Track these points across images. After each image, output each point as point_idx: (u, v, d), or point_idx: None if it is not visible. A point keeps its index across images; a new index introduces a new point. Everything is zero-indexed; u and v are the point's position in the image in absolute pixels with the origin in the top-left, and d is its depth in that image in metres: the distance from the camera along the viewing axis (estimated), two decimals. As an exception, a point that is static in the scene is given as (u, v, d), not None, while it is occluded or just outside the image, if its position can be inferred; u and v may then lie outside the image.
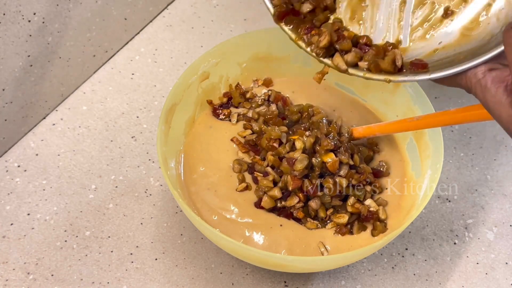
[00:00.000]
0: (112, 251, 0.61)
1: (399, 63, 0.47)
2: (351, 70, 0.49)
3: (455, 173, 0.70)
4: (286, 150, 0.59)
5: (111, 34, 0.77)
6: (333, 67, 0.49)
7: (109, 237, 0.62)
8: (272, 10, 0.51)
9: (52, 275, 0.59)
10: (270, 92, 0.68)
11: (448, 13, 0.48)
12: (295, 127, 0.62)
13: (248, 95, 0.68)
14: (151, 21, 0.84)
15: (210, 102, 0.67)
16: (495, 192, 0.69)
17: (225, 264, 0.61)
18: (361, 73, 0.48)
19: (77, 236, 0.62)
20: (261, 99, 0.68)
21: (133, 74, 0.78)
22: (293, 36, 0.51)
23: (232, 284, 0.60)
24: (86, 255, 0.61)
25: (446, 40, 0.47)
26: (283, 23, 0.51)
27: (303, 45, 0.50)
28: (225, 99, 0.68)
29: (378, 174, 0.62)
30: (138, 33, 0.82)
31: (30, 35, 0.64)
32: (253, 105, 0.67)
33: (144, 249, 0.62)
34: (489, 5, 0.46)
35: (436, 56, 0.47)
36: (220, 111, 0.66)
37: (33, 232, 0.62)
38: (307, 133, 0.60)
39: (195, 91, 0.65)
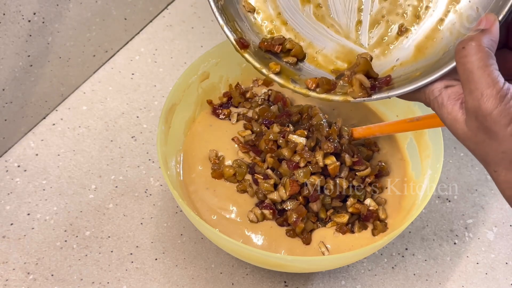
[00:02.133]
0: (112, 251, 0.61)
1: (368, 85, 0.47)
2: (311, 94, 0.49)
3: (455, 173, 0.70)
4: (288, 148, 0.59)
5: (111, 34, 0.77)
6: (298, 92, 0.50)
7: (109, 237, 0.62)
8: (232, 38, 0.50)
9: (52, 275, 0.59)
10: (270, 92, 0.68)
11: (402, 31, 0.49)
12: (295, 128, 0.62)
13: (248, 95, 0.68)
14: (151, 21, 0.84)
15: (210, 102, 0.67)
16: (495, 192, 0.69)
17: (225, 264, 0.61)
18: (322, 96, 0.49)
19: (77, 236, 0.62)
20: (261, 98, 0.68)
21: (133, 74, 0.78)
22: (257, 65, 0.50)
23: (232, 284, 0.60)
24: (86, 255, 0.61)
25: (403, 57, 0.48)
26: (245, 53, 0.50)
27: (266, 73, 0.50)
28: (225, 99, 0.68)
29: (378, 174, 0.62)
30: (138, 33, 0.82)
31: (30, 35, 0.64)
32: (253, 105, 0.67)
33: (144, 249, 0.62)
34: (441, 20, 0.47)
35: (394, 74, 0.48)
36: (220, 111, 0.66)
37: (33, 232, 0.62)
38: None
39: (195, 91, 0.65)
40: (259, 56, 0.51)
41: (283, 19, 0.52)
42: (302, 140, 0.59)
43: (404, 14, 0.48)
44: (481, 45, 0.37)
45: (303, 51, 0.52)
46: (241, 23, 0.52)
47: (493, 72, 0.37)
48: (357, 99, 0.47)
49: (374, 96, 0.46)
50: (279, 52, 0.51)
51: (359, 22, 0.50)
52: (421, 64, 0.46)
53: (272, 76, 0.50)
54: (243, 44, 0.50)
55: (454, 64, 0.40)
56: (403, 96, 0.45)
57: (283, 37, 0.51)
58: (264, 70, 0.50)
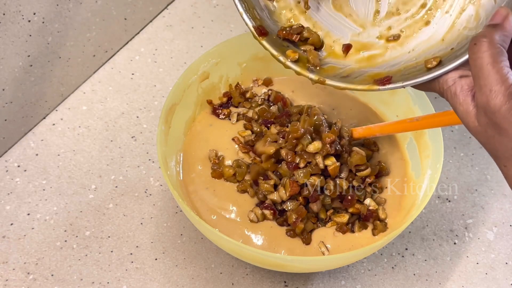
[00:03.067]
0: (112, 251, 0.61)
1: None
2: (328, 82, 0.49)
3: (455, 173, 0.70)
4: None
5: (111, 34, 0.77)
6: (314, 80, 0.50)
7: (109, 237, 0.62)
8: (251, 25, 0.50)
9: (52, 275, 0.59)
10: (270, 92, 0.68)
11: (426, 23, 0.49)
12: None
13: (248, 95, 0.68)
14: (151, 21, 0.84)
15: (210, 102, 0.67)
16: (495, 192, 0.69)
17: (225, 264, 0.61)
18: (336, 84, 0.49)
19: (77, 236, 0.62)
20: (261, 98, 0.68)
21: (133, 74, 0.78)
22: (274, 52, 0.50)
23: (232, 284, 0.60)
24: (86, 255, 0.61)
25: (419, 47, 0.49)
26: (263, 40, 0.50)
27: (283, 60, 0.50)
28: (225, 99, 0.68)
29: (378, 174, 0.62)
30: (138, 33, 0.82)
31: (30, 35, 0.64)
32: (253, 105, 0.67)
33: (144, 249, 0.62)
34: (460, 13, 0.47)
35: (408, 60, 0.48)
36: (220, 111, 0.66)
37: (33, 232, 0.62)
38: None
39: (195, 91, 0.65)
40: (277, 44, 0.51)
41: (301, 8, 0.52)
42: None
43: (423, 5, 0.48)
44: (493, 41, 0.38)
45: (320, 40, 0.52)
46: (260, 11, 0.52)
47: (503, 69, 0.37)
48: (376, 88, 0.47)
49: (389, 86, 0.46)
50: (297, 40, 0.51)
51: (377, 12, 0.50)
52: (438, 54, 0.46)
53: (289, 63, 0.50)
54: (261, 32, 0.50)
55: (467, 56, 0.40)
56: (417, 86, 0.45)
57: (302, 26, 0.52)
58: (281, 58, 0.50)
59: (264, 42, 0.50)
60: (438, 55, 0.46)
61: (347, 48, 0.51)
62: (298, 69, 0.50)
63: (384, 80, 0.46)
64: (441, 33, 0.48)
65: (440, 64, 0.44)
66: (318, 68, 0.50)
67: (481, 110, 0.38)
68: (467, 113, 0.39)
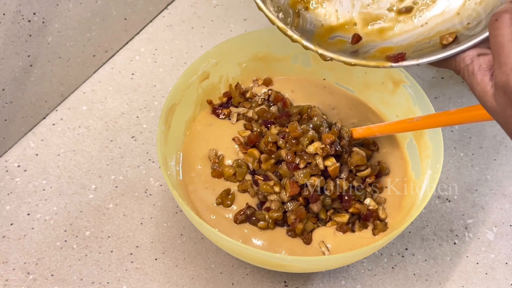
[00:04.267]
0: (112, 251, 0.61)
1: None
2: (338, 57, 0.47)
3: (455, 173, 0.70)
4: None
5: (111, 34, 0.77)
6: (324, 56, 0.48)
7: (109, 237, 0.62)
8: None
9: (52, 275, 0.59)
10: (270, 91, 0.68)
11: None
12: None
13: (248, 95, 0.68)
14: (151, 21, 0.84)
15: (210, 102, 0.67)
16: (495, 192, 0.69)
17: (225, 264, 0.61)
18: (345, 59, 0.47)
19: (77, 236, 0.62)
20: (261, 98, 0.68)
21: (133, 74, 0.78)
22: (279, 24, 0.48)
23: (232, 284, 0.60)
24: (86, 255, 0.61)
25: (434, 21, 0.47)
26: (266, 8, 0.47)
27: (287, 30, 0.48)
28: (225, 99, 0.68)
29: (378, 173, 0.62)
30: (138, 33, 0.82)
31: (30, 35, 0.64)
32: (253, 105, 0.67)
33: (144, 249, 0.62)
34: None
35: (420, 35, 0.47)
36: (220, 111, 0.66)
37: (33, 232, 0.62)
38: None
39: (195, 91, 0.65)
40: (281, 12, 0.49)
41: None
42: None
43: None
44: None
45: None
46: None
47: None
48: (387, 64, 0.45)
49: (402, 63, 0.44)
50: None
51: None
52: (453, 30, 0.45)
53: (296, 37, 0.48)
54: None
55: (487, 33, 0.38)
56: (431, 63, 0.43)
57: None
58: (288, 32, 0.48)
59: (265, 10, 0.47)
60: (453, 30, 0.44)
61: (357, 39, 0.49)
62: (303, 41, 0.47)
63: (398, 56, 0.45)
64: (456, 6, 0.45)
65: (456, 40, 0.42)
66: (325, 40, 0.48)
67: (500, 89, 0.36)
68: (484, 93, 0.38)
